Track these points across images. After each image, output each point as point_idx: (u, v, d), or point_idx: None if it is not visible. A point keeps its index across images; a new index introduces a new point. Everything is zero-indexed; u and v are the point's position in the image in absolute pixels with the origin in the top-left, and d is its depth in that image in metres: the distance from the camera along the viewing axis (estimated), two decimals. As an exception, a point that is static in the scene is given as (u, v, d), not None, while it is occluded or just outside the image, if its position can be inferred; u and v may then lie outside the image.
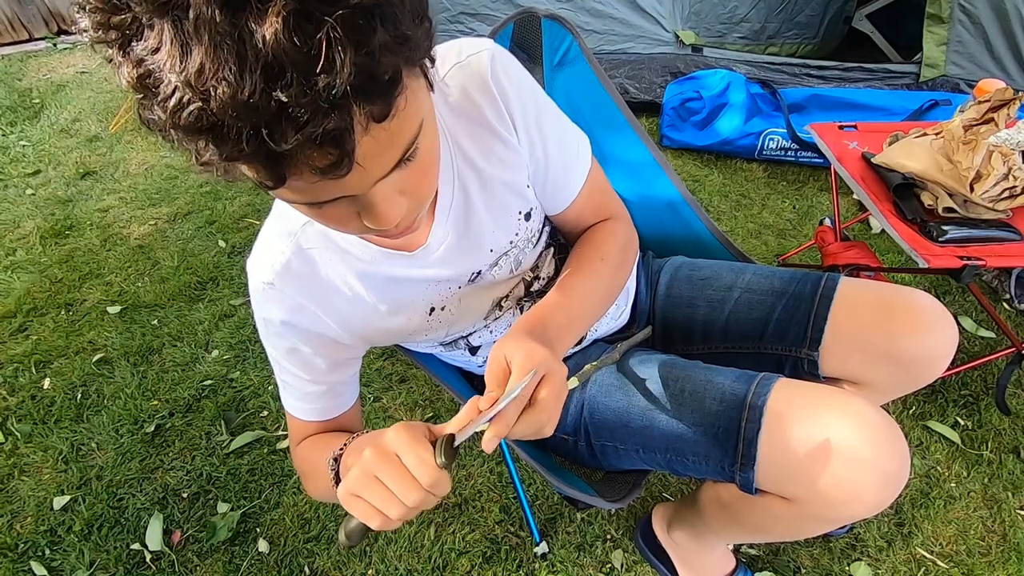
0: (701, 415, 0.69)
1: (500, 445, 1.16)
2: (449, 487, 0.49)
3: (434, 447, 0.49)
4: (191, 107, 0.33)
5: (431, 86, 0.47)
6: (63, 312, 1.75)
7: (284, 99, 0.33)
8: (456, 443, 0.50)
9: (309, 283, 0.64)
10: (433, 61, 0.45)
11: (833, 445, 0.60)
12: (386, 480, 0.48)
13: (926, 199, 1.14)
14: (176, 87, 0.33)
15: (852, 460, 0.60)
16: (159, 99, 0.34)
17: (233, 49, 0.32)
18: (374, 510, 0.49)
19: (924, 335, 0.75)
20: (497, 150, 0.66)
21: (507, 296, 0.77)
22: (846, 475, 0.60)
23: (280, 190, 0.41)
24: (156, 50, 0.34)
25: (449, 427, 0.51)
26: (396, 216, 0.47)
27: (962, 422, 1.31)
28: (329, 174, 0.38)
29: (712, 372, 0.73)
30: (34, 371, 1.57)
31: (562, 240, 0.83)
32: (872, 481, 0.60)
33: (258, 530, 1.21)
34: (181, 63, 0.33)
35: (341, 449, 0.62)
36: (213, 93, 0.33)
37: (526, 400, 0.54)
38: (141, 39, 0.34)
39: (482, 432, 0.52)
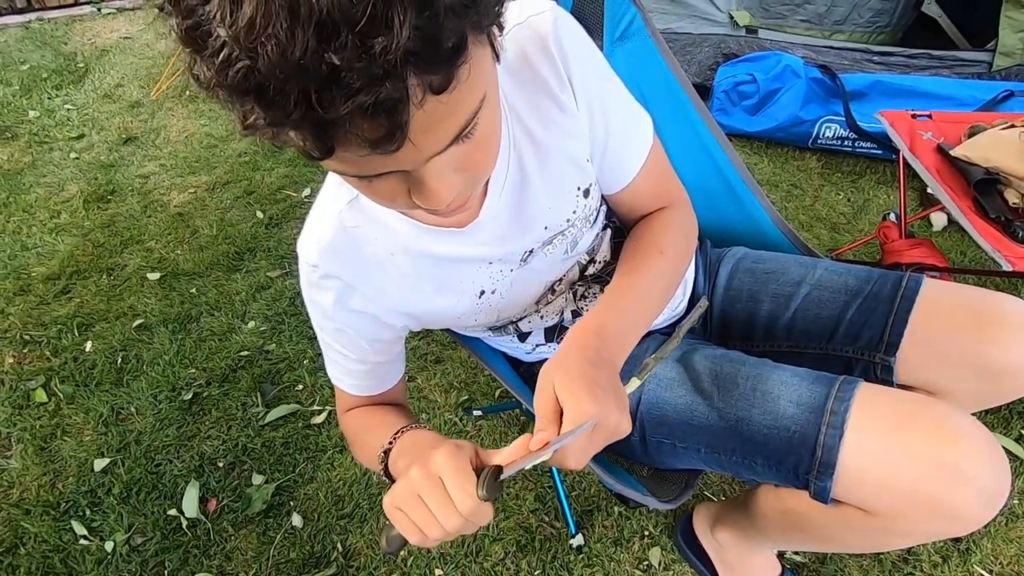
0: (775, 417, 0.65)
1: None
2: (490, 517, 0.49)
3: (478, 477, 0.47)
4: (238, 65, 0.31)
5: (497, 56, 0.43)
6: (105, 276, 1.77)
7: (337, 62, 0.30)
8: (502, 476, 0.48)
9: (353, 263, 0.62)
10: (502, 28, 0.41)
11: (928, 459, 0.56)
12: (428, 502, 0.48)
13: (1011, 196, 1.06)
14: (224, 42, 0.31)
15: (950, 476, 0.55)
16: (207, 54, 0.32)
17: (285, 4, 0.29)
18: (414, 527, 0.49)
19: (1019, 346, 0.69)
20: (556, 118, 0.62)
21: (560, 280, 0.74)
22: (943, 492, 0.55)
23: (328, 161, 0.38)
24: (207, 0, 0.31)
25: (496, 458, 0.50)
26: (448, 195, 0.44)
27: (1027, 436, 1.24)
28: (379, 148, 0.35)
29: (785, 372, 0.68)
30: (76, 333, 1.59)
31: (618, 223, 0.78)
32: (972, 499, 0.55)
33: (292, 504, 1.21)
34: (231, 16, 0.30)
35: (391, 442, 0.63)
36: (261, 51, 0.30)
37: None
38: None
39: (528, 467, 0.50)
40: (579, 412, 0.50)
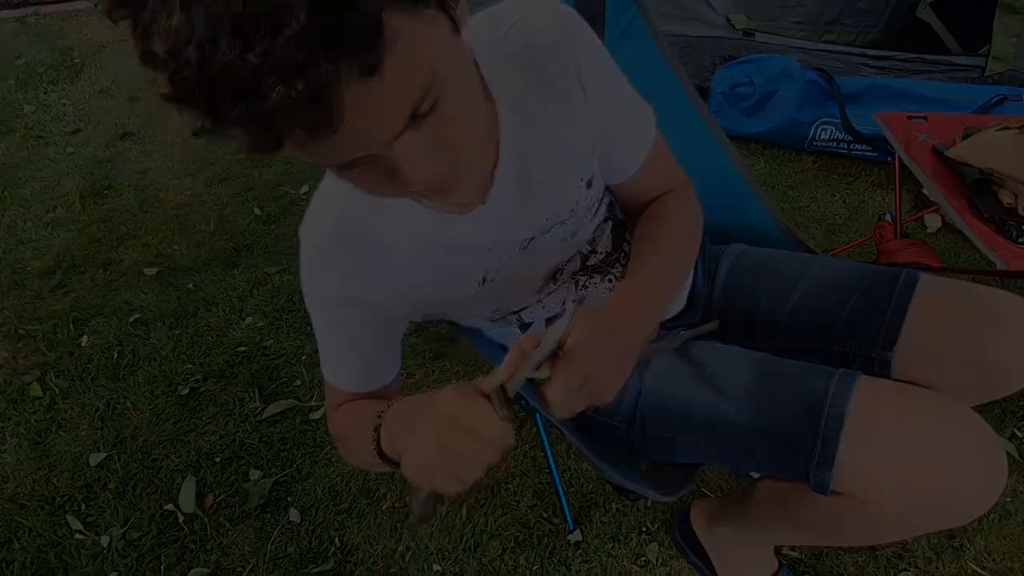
0: (774, 409, 0.65)
1: (538, 428, 1.13)
2: (513, 438, 0.49)
3: (490, 401, 0.48)
4: (178, 77, 0.32)
5: (457, 28, 0.42)
6: (101, 271, 1.76)
7: (255, 59, 0.31)
8: (509, 393, 0.49)
9: (357, 248, 0.62)
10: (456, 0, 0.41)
11: (926, 449, 0.57)
12: (456, 446, 0.47)
13: (1005, 197, 1.08)
14: (164, 59, 0.32)
15: (947, 467, 0.56)
16: (159, 72, 0.33)
17: (203, 13, 0.31)
18: (450, 476, 0.48)
19: (1015, 342, 0.70)
20: (562, 111, 0.62)
21: (562, 270, 0.74)
22: (940, 483, 0.56)
23: (292, 151, 0.38)
24: (152, 21, 0.32)
25: (497, 379, 0.50)
26: (424, 175, 0.43)
27: (1020, 434, 1.25)
28: (317, 133, 0.35)
29: (785, 365, 0.69)
30: (72, 328, 1.58)
31: (619, 215, 0.79)
32: (968, 491, 0.56)
33: (289, 499, 1.21)
34: (166, 34, 0.32)
35: (379, 419, 0.60)
36: (190, 61, 0.31)
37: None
38: (144, 9, 0.33)
39: (529, 381, 0.51)
40: (580, 358, 0.52)
